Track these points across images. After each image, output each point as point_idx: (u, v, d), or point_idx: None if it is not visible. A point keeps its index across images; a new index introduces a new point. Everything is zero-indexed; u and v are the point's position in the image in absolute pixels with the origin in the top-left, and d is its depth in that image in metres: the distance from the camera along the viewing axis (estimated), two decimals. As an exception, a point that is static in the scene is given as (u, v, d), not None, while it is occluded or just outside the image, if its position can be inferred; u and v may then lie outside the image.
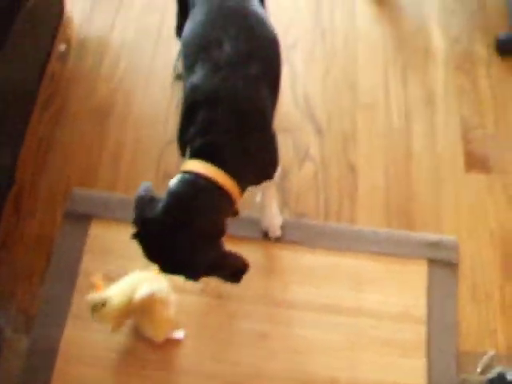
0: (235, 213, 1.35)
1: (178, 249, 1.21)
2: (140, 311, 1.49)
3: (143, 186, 1.28)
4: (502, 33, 2.04)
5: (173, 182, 1.23)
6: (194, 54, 1.31)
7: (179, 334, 1.55)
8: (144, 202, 1.23)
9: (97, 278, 1.50)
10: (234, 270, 1.30)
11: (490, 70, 2.00)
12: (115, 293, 1.47)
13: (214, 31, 1.32)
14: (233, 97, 1.26)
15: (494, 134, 1.88)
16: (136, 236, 1.23)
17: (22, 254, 1.67)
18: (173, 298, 1.52)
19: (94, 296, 1.46)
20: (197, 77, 1.28)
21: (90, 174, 1.79)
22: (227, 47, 1.28)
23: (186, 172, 1.24)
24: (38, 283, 1.63)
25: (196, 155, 1.25)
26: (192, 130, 1.27)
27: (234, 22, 1.32)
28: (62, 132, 1.86)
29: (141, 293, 1.47)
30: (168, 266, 1.25)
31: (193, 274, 1.25)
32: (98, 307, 1.46)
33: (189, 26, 1.39)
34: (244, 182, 1.28)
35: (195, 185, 1.21)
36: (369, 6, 2.13)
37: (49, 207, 1.74)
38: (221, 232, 1.25)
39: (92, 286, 1.49)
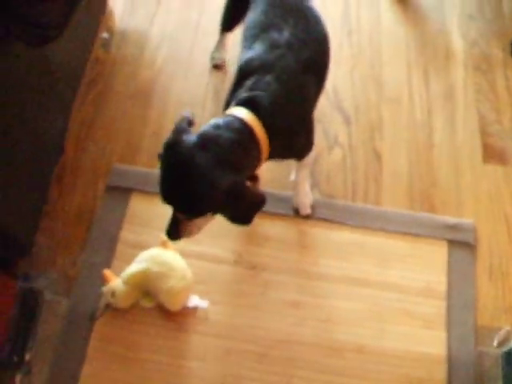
0: (255, 178, 1.42)
1: (197, 167, 1.23)
2: (146, 286, 1.58)
3: (185, 113, 1.36)
4: (517, 38, 2.14)
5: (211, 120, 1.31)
6: (255, 35, 1.43)
7: (203, 304, 1.62)
8: (181, 129, 1.31)
9: (106, 271, 1.60)
10: (252, 202, 1.32)
11: (507, 71, 2.11)
12: (121, 280, 1.58)
13: (275, 19, 1.43)
14: (283, 70, 1.36)
15: (509, 129, 1.98)
16: (160, 156, 1.29)
17: (63, 224, 1.75)
18: (182, 268, 1.59)
19: (104, 288, 1.58)
20: (254, 51, 1.39)
21: (131, 151, 1.88)
22: (286, 33, 1.40)
23: (224, 115, 1.33)
24: (78, 250, 1.70)
25: (238, 104, 1.34)
26: (240, 91, 1.37)
27: (294, 15, 1.44)
28: (105, 111, 1.96)
29: (130, 271, 1.58)
30: (184, 187, 1.25)
31: (208, 200, 1.24)
32: (108, 297, 1.58)
33: (251, 16, 1.51)
34: (274, 142, 1.34)
35: (229, 122, 1.29)
36: (393, 8, 2.25)
37: (90, 181, 1.82)
38: (242, 167, 1.29)
39: (102, 279, 1.59)
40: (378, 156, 1.89)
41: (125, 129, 1.92)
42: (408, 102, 2.01)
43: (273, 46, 1.38)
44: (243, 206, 1.30)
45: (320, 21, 1.51)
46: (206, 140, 1.26)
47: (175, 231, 1.33)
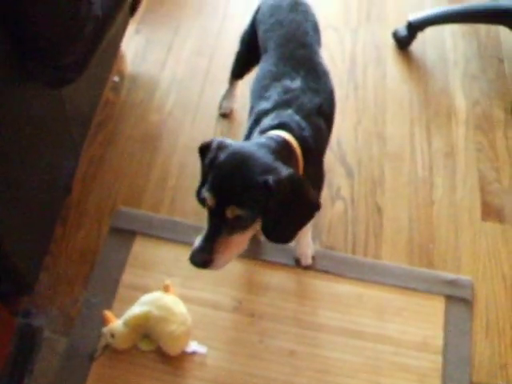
0: None
1: (257, 157, 1.22)
2: (146, 329, 1.61)
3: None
4: (518, 100, 2.22)
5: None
6: (267, 85, 1.49)
7: (201, 349, 1.64)
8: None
9: (107, 312, 1.63)
10: (311, 201, 1.29)
11: (507, 131, 2.18)
12: (121, 321, 1.61)
13: (286, 69, 1.50)
14: (300, 107, 1.42)
15: (509, 188, 2.03)
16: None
17: (65, 263, 1.78)
18: (183, 313, 1.61)
19: (104, 329, 1.61)
20: (268, 101, 1.45)
21: (137, 194, 1.93)
22: (298, 81, 1.47)
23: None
24: (79, 290, 1.73)
25: (266, 130, 1.37)
26: (257, 128, 1.41)
27: (304, 67, 1.52)
28: (112, 153, 2.01)
29: (132, 313, 1.60)
30: (244, 173, 1.20)
31: (272, 186, 1.18)
32: (108, 338, 1.60)
33: (262, 67, 1.59)
34: (305, 165, 1.37)
35: (269, 138, 1.32)
36: (398, 66, 2.34)
37: (95, 222, 1.86)
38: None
39: (103, 319, 1.62)
40: (378, 210, 1.94)
41: (131, 171, 1.97)
42: (410, 158, 2.07)
43: (286, 90, 1.45)
44: (303, 202, 1.27)
45: (328, 75, 1.58)
46: (257, 143, 1.28)
47: (205, 251, 1.24)
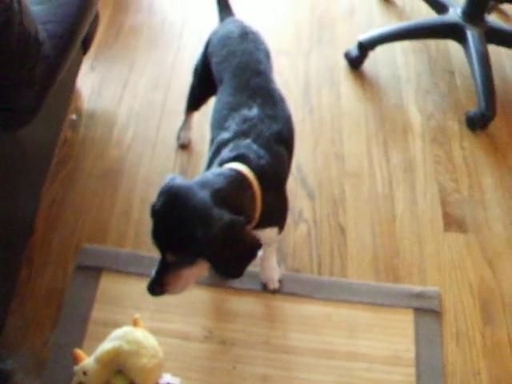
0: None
1: (194, 203, 1.26)
2: (118, 364, 1.60)
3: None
4: (471, 110, 2.30)
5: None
6: (225, 116, 1.52)
7: (175, 381, 1.65)
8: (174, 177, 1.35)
9: (78, 351, 1.62)
10: (250, 245, 1.32)
11: (463, 142, 2.25)
12: (93, 358, 1.60)
13: (243, 99, 1.54)
14: (259, 136, 1.45)
15: (468, 198, 2.09)
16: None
17: (33, 305, 1.78)
18: (153, 346, 1.61)
19: (76, 367, 1.61)
20: (228, 131, 1.48)
21: (101, 230, 1.94)
22: (255, 109, 1.50)
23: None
24: (49, 330, 1.73)
25: (225, 162, 1.41)
26: (217, 159, 1.44)
27: (261, 94, 1.55)
28: (74, 191, 2.03)
29: (102, 349, 1.60)
30: (178, 221, 1.26)
31: (204, 236, 1.23)
32: (80, 376, 1.60)
33: (220, 98, 1.63)
34: (265, 197, 1.39)
35: (225, 171, 1.36)
36: (352, 87, 2.40)
37: (60, 261, 1.87)
38: (240, 211, 1.30)
39: (74, 358, 1.61)
40: (342, 229, 1.98)
41: (94, 208, 1.99)
42: (369, 175, 2.12)
43: (245, 119, 1.48)
44: (240, 249, 1.30)
45: (284, 101, 1.62)
46: (204, 182, 1.32)
47: (158, 283, 1.34)
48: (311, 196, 2.06)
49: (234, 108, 1.53)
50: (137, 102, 2.28)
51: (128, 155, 2.13)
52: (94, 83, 2.35)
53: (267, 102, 1.54)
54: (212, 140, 1.57)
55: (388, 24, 2.62)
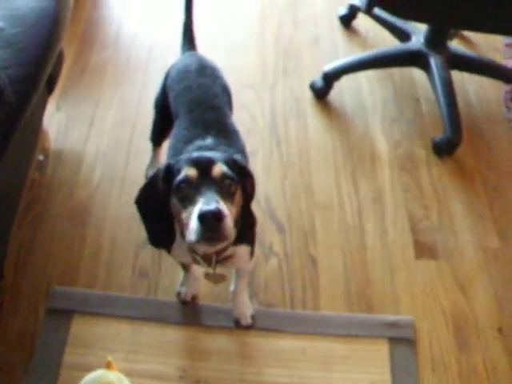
0: None
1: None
2: None
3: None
4: (437, 136, 2.35)
5: None
6: (181, 149, 1.54)
7: None
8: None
9: None
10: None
11: (430, 169, 2.29)
12: None
13: (197, 131, 1.57)
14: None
15: (438, 224, 2.13)
16: None
17: (4, 349, 1.78)
18: None
19: None
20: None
21: (71, 272, 1.95)
22: (209, 140, 1.53)
23: None
24: (20, 376, 1.72)
25: None
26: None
27: (215, 128, 1.59)
28: (43, 233, 2.03)
29: None
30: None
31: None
32: None
33: (175, 132, 1.66)
34: None
35: None
36: (319, 118, 2.45)
37: (31, 305, 1.87)
38: None
39: None
40: (313, 261, 2.01)
41: (63, 250, 2.00)
42: (338, 206, 2.16)
43: (199, 147, 1.50)
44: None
45: (239, 134, 1.67)
46: None
47: (216, 212, 1.20)
48: (281, 229, 2.08)
49: (188, 141, 1.55)
50: (103, 141, 2.30)
51: (96, 195, 2.14)
52: (61, 123, 2.37)
53: (221, 134, 1.58)
54: None
55: (352, 53, 2.68)
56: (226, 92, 1.76)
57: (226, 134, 1.60)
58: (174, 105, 1.72)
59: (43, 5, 1.73)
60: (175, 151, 1.57)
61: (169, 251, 1.55)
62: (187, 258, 1.55)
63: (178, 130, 1.65)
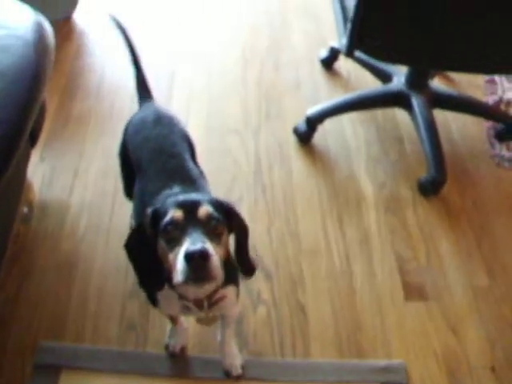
0: None
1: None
2: None
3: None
4: (422, 176, 2.36)
5: None
6: (147, 201, 1.54)
7: None
8: None
9: None
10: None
11: (416, 209, 2.31)
12: None
13: (162, 182, 1.57)
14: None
15: (426, 265, 2.13)
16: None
17: (-10, 410, 1.74)
18: None
19: None
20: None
21: (58, 326, 1.93)
22: (176, 188, 1.53)
23: None
24: None
25: None
26: None
27: (179, 175, 1.60)
28: (29, 287, 2.02)
29: None
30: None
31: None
32: None
33: (139, 186, 1.67)
34: None
35: None
36: (303, 162, 2.46)
37: (17, 360, 1.84)
38: None
39: None
40: (302, 308, 2.00)
41: (50, 303, 1.99)
42: (325, 251, 2.16)
43: (168, 195, 1.49)
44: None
45: (204, 178, 1.70)
46: None
47: (203, 251, 1.21)
48: (268, 277, 2.08)
49: (154, 192, 1.55)
50: (88, 191, 2.31)
51: (82, 246, 2.14)
52: (45, 174, 2.37)
53: (186, 181, 1.58)
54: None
55: (334, 95, 2.70)
56: (184, 138, 1.77)
57: (191, 179, 1.61)
58: (134, 158, 1.73)
59: (23, 60, 1.74)
60: (143, 204, 1.56)
61: (154, 304, 1.55)
62: (175, 310, 1.55)
63: (141, 183, 1.66)
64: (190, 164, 1.69)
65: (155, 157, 1.66)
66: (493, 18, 1.96)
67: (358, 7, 1.96)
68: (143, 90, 1.96)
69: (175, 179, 1.58)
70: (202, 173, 1.74)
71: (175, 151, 1.68)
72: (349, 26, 2.04)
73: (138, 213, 1.63)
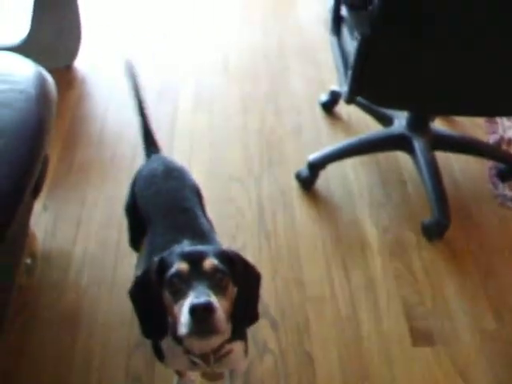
0: None
1: None
2: None
3: None
4: (426, 219, 2.36)
5: None
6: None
7: None
8: None
9: None
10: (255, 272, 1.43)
11: (421, 252, 2.30)
12: None
13: (172, 236, 1.57)
14: None
15: (433, 309, 2.12)
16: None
17: None
18: None
19: None
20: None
21: (62, 379, 1.92)
22: (186, 243, 1.52)
23: None
24: None
25: None
26: None
27: (189, 231, 1.60)
28: (32, 341, 2.00)
29: None
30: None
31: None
32: None
33: (149, 240, 1.67)
34: None
35: None
36: (306, 208, 2.47)
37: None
38: None
39: None
40: (309, 357, 1.99)
41: (53, 358, 1.97)
42: (331, 298, 2.15)
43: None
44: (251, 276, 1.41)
45: (213, 234, 1.69)
46: None
47: (208, 305, 1.21)
48: (274, 325, 2.07)
49: (164, 247, 1.52)
50: (91, 241, 2.31)
51: (85, 298, 2.13)
52: (48, 224, 2.37)
53: (196, 236, 1.58)
54: None
55: (336, 139, 2.72)
56: (194, 192, 1.78)
57: (201, 234, 1.62)
58: (145, 211, 1.73)
59: (26, 115, 1.76)
60: (151, 258, 1.56)
61: (160, 359, 1.54)
62: (182, 365, 1.54)
63: (152, 237, 1.67)
64: (201, 219, 1.69)
65: (166, 212, 1.67)
66: (492, 65, 1.98)
67: (358, 54, 1.98)
68: (150, 142, 1.97)
69: (185, 234, 1.57)
70: (211, 225, 1.75)
71: (186, 206, 1.69)
72: (349, 73, 2.06)
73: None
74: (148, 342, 1.66)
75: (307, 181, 2.51)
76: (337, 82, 2.27)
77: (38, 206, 2.36)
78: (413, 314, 2.12)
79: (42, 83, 1.85)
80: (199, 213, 1.71)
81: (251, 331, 1.97)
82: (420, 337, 2.05)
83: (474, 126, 2.86)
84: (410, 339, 2.05)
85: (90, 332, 2.05)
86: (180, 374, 1.80)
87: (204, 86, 3.13)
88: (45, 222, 2.39)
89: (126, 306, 2.02)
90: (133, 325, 2.03)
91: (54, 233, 2.35)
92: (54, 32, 3.02)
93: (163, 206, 1.69)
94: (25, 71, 1.87)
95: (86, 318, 2.09)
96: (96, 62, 3.27)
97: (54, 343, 2.02)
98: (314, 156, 2.50)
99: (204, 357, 1.46)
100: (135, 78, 1.98)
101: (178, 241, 1.54)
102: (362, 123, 2.84)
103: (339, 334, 2.05)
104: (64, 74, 3.15)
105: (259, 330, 2.04)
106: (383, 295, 2.16)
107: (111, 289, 2.16)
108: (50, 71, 1.91)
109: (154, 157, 1.91)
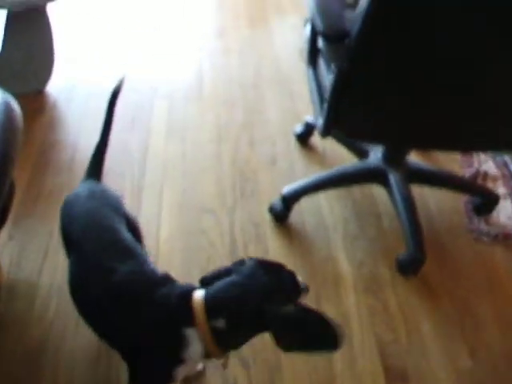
0: None
1: None
2: None
3: None
4: (401, 254, 2.34)
5: None
6: (86, 276, 1.57)
7: None
8: None
9: None
10: None
11: (396, 288, 2.27)
12: None
13: (98, 260, 1.58)
14: None
15: (408, 347, 2.09)
16: None
17: None
18: None
19: None
20: None
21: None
22: (122, 269, 1.55)
23: None
24: None
25: None
26: None
27: (114, 250, 1.61)
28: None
29: None
30: None
31: None
32: None
33: (74, 262, 1.66)
34: None
35: None
36: (280, 241, 2.43)
37: None
38: None
39: None
40: (281, 396, 1.94)
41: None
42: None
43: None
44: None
45: (138, 247, 1.67)
46: None
47: None
48: (245, 364, 2.02)
49: (93, 274, 1.56)
50: (58, 273, 2.25)
51: (51, 332, 2.07)
52: (13, 254, 2.31)
53: (122, 254, 1.60)
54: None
55: (310, 171, 2.70)
56: (117, 211, 1.75)
57: (127, 252, 1.62)
58: (68, 233, 1.72)
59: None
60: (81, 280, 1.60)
61: None
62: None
63: (76, 258, 1.65)
64: (124, 234, 1.67)
65: (88, 231, 1.65)
66: (465, 99, 1.98)
67: (334, 88, 1.96)
68: (95, 170, 1.93)
69: (111, 255, 1.58)
70: (138, 233, 1.78)
71: (108, 224, 1.67)
72: (325, 106, 2.04)
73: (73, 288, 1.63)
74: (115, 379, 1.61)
75: (281, 214, 2.48)
76: (312, 115, 2.25)
77: (3, 235, 2.30)
78: (387, 352, 2.09)
79: (8, 112, 1.80)
80: (122, 228, 1.69)
81: (221, 370, 1.93)
82: (395, 376, 2.02)
83: (449, 160, 2.87)
84: (384, 378, 2.01)
85: (55, 368, 1.98)
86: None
87: (178, 114, 3.09)
88: (10, 252, 2.33)
89: (93, 339, 1.98)
90: (99, 360, 1.97)
91: (20, 263, 2.29)
92: (25, 57, 2.99)
93: (85, 226, 1.67)
94: (-9, 99, 1.83)
95: (51, 353, 2.02)
96: (68, 87, 3.23)
97: (18, 379, 1.95)
98: (287, 189, 2.47)
99: None
100: (116, 97, 1.94)
101: (111, 270, 1.54)
102: (337, 155, 2.82)
103: (312, 372, 2.01)
104: (35, 98, 3.10)
105: (230, 369, 1.98)
106: (357, 332, 2.13)
107: (77, 322, 2.09)
108: (21, 96, 1.87)
109: (87, 181, 1.87)
